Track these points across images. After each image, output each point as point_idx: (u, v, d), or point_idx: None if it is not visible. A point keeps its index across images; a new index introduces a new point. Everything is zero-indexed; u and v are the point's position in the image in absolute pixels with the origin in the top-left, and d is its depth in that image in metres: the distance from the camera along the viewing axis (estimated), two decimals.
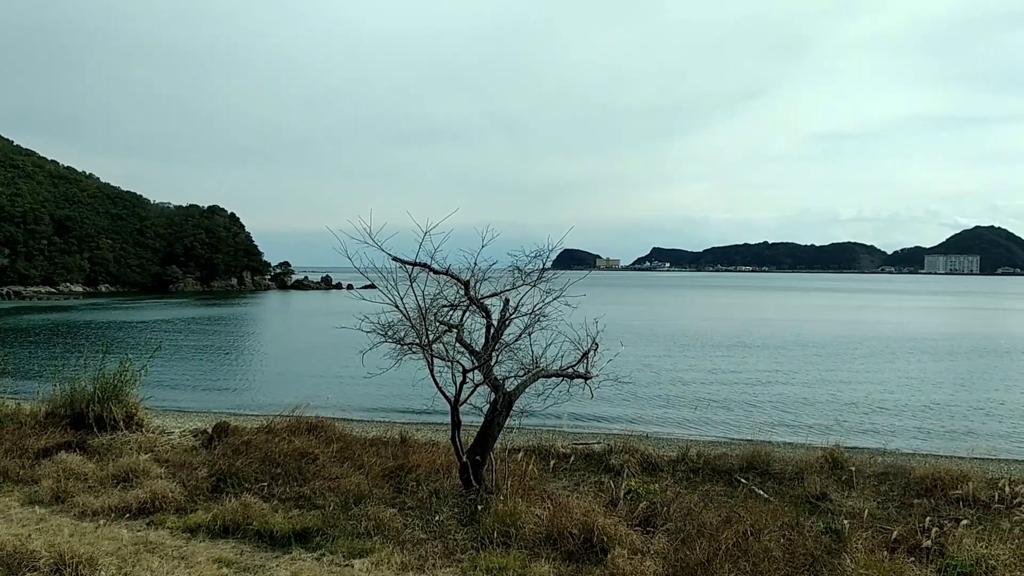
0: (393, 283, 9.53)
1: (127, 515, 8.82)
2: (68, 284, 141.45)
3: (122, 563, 7.06)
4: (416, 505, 9.14)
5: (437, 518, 8.56)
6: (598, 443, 13.74)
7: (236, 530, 8.24)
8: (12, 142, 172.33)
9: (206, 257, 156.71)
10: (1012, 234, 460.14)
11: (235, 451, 11.37)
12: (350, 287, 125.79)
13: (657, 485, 10.15)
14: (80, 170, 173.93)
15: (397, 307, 9.39)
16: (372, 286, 9.86)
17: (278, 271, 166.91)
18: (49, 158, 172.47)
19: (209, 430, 13.33)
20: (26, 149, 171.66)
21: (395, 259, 9.35)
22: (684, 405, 24.72)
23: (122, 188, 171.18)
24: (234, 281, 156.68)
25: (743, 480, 11.20)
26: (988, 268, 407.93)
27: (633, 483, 10.04)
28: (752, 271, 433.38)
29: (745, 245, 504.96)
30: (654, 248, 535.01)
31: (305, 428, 13.16)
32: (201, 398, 27.03)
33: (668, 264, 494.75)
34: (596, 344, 9.69)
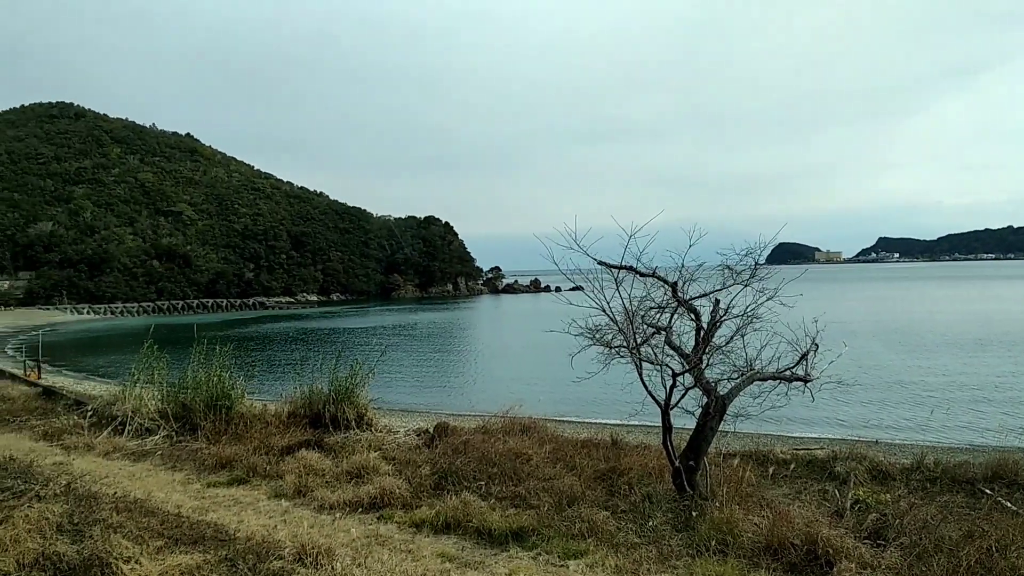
0: (599, 286, 9.55)
1: (359, 509, 9.45)
2: (304, 294, 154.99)
3: (356, 554, 7.56)
4: (629, 508, 9.08)
5: (651, 523, 8.47)
6: (821, 449, 13.01)
7: (457, 527, 8.57)
8: (253, 167, 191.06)
9: (424, 265, 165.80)
10: None
11: (454, 450, 11.84)
12: (558, 289, 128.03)
13: (888, 495, 9.46)
14: (312, 189, 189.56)
15: (603, 310, 9.40)
16: (579, 288, 9.94)
17: (489, 276, 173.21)
18: (284, 179, 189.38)
19: (431, 430, 13.94)
20: (265, 172, 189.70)
21: (600, 263, 9.37)
22: (918, 408, 22.85)
23: (348, 204, 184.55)
24: (449, 287, 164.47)
25: (988, 491, 10.15)
26: None
27: (861, 492, 9.41)
28: (996, 259, 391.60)
29: (986, 231, 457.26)
30: (880, 238, 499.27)
31: (519, 429, 13.48)
32: (422, 399, 28.54)
33: (897, 254, 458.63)
34: (816, 344, 9.17)
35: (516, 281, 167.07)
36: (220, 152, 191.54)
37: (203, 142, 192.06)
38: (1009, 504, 9.51)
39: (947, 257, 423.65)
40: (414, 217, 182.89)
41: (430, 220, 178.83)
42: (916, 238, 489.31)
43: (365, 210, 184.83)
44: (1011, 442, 15.42)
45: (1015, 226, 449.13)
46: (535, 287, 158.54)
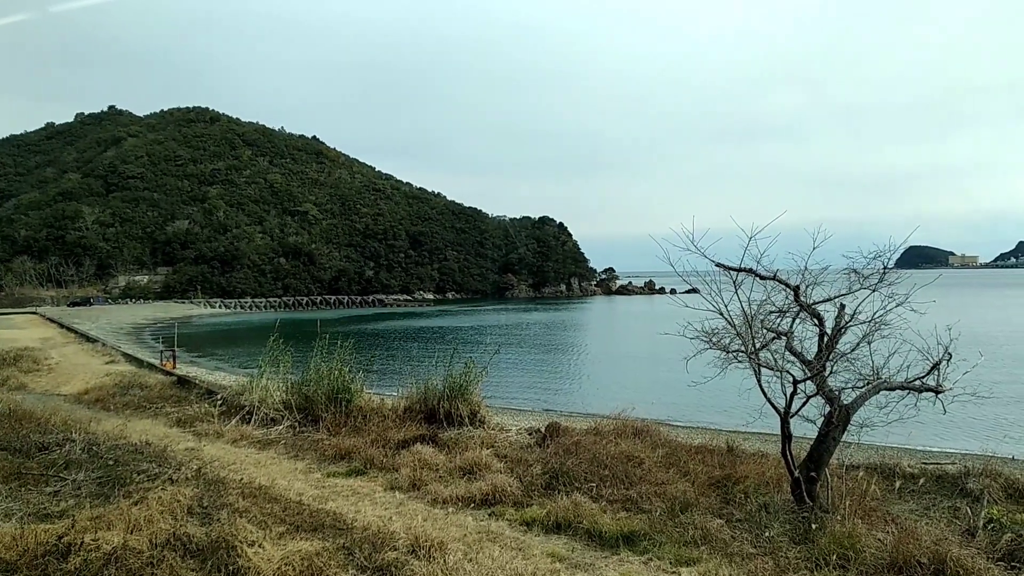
0: (716, 289, 9.34)
1: (471, 505, 9.58)
2: (421, 292, 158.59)
3: (468, 549, 7.67)
4: (744, 518, 8.84)
5: (767, 533, 8.22)
6: (952, 464, 12.30)
7: (567, 527, 8.57)
8: (374, 168, 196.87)
9: (537, 265, 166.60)
10: None
11: (566, 451, 11.83)
12: (673, 291, 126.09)
13: None
14: (430, 190, 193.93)
15: (721, 314, 9.19)
16: (695, 291, 9.74)
17: (603, 277, 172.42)
18: (404, 180, 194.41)
19: (542, 429, 13.99)
20: (385, 174, 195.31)
21: (718, 265, 9.16)
22: None
23: (464, 204, 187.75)
24: (563, 287, 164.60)
25: None
26: None
27: (995, 511, 8.84)
28: None
29: None
30: (1021, 242, 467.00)
31: (631, 432, 13.36)
32: (534, 398, 28.68)
33: None
34: (949, 354, 8.67)
35: (630, 282, 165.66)
36: (343, 154, 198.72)
37: (328, 144, 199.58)
38: None
39: None
40: (528, 218, 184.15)
41: (544, 220, 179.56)
42: None
43: (481, 210, 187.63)
44: None
45: None
46: (649, 289, 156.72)
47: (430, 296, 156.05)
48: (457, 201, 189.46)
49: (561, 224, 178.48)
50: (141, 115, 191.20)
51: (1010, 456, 14.80)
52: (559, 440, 12.75)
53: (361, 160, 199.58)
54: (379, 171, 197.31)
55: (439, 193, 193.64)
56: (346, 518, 8.65)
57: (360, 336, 59.70)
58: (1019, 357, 36.92)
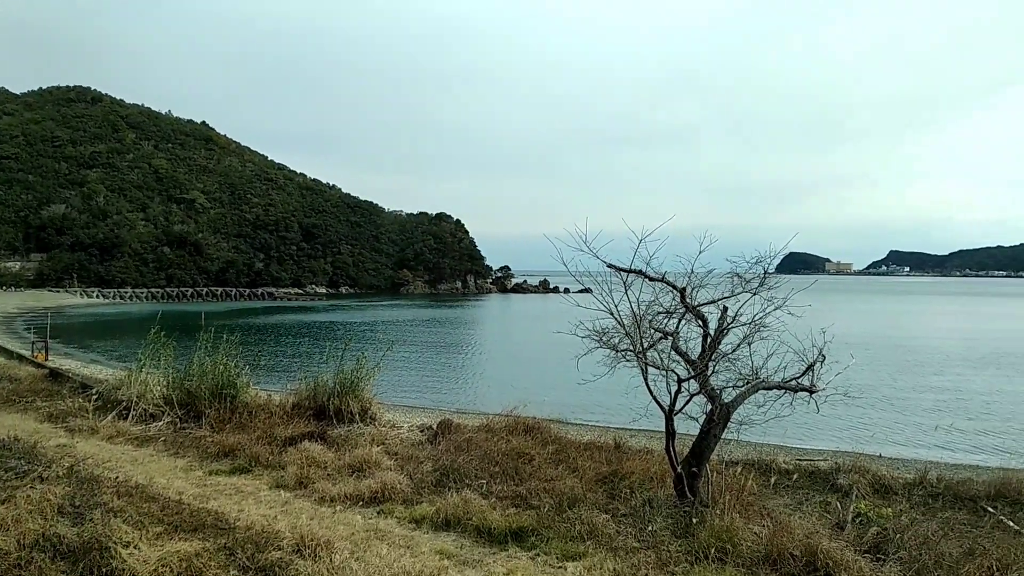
0: (608, 289, 9.54)
1: (360, 503, 9.47)
2: (313, 286, 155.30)
3: (355, 547, 7.57)
4: (629, 513, 9.07)
5: (650, 528, 8.46)
6: (824, 460, 12.98)
7: (457, 524, 8.57)
8: (267, 157, 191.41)
9: (434, 261, 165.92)
10: None
11: (457, 448, 11.86)
12: (567, 291, 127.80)
13: (890, 509, 9.43)
14: (325, 181, 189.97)
15: (611, 313, 9.39)
16: (588, 290, 9.93)
17: (499, 274, 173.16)
18: (298, 171, 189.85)
19: (434, 426, 13.97)
20: (278, 163, 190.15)
21: (610, 266, 9.36)
22: (922, 423, 22.76)
23: (360, 198, 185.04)
24: (459, 284, 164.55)
25: (990, 509, 10.11)
26: None
27: (863, 506, 9.39)
28: (1008, 276, 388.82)
29: (998, 247, 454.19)
30: (891, 251, 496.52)
31: (522, 429, 13.48)
32: (427, 395, 28.59)
33: (907, 268, 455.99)
34: (823, 356, 9.14)
35: (525, 281, 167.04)
36: (235, 141, 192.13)
37: (218, 131, 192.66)
38: (1012, 523, 9.47)
39: (958, 273, 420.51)
40: (426, 213, 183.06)
41: (441, 216, 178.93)
42: (927, 252, 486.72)
43: (377, 204, 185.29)
44: (1015, 462, 15.32)
45: None
46: (544, 287, 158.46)
47: (322, 290, 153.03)
48: (353, 194, 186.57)
49: (458, 221, 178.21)
50: (17, 92, 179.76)
51: (877, 454, 15.71)
52: (451, 437, 12.76)
53: (253, 148, 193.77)
54: (272, 160, 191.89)
55: (334, 185, 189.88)
56: (228, 517, 8.40)
57: (248, 330, 58.03)
58: (885, 361, 39.18)
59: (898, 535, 8.18)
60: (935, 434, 21.05)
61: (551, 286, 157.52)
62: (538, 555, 7.74)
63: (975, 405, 26.51)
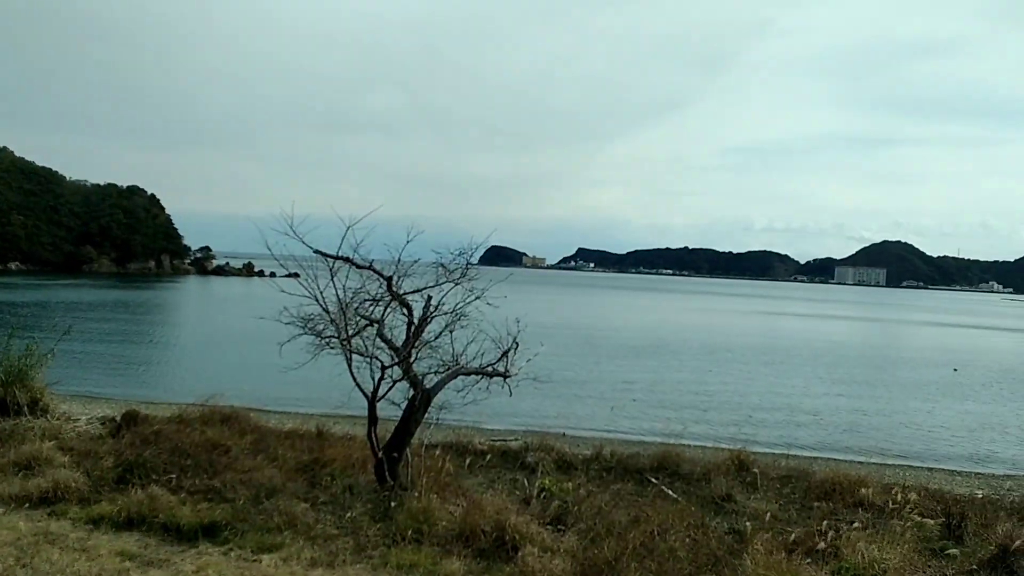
0: (314, 275, 9.45)
1: (27, 505, 8.51)
2: None
3: (21, 554, 6.85)
4: (329, 500, 9.07)
5: (350, 514, 8.53)
6: (516, 440, 13.87)
7: (141, 522, 8.04)
8: None
9: (123, 238, 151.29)
10: (917, 249, 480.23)
11: (144, 440, 11.07)
12: (273, 275, 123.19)
13: (571, 484, 10.34)
14: None
15: (317, 300, 9.31)
16: (295, 276, 9.75)
17: (198, 255, 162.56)
18: None
19: (118, 418, 12.98)
20: None
21: (317, 251, 9.28)
22: (602, 404, 25.10)
23: (37, 163, 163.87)
24: (152, 264, 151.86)
25: (653, 480, 11.47)
26: (894, 281, 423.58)
27: (547, 481, 10.19)
28: (673, 274, 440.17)
29: (667, 249, 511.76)
30: (579, 248, 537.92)
31: (218, 419, 12.90)
32: (111, 384, 26.19)
33: (592, 264, 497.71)
34: (517, 343, 9.79)
35: (228, 263, 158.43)
36: None
37: None
38: (670, 492, 10.82)
39: (633, 270, 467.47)
40: (114, 185, 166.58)
41: (133, 190, 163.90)
42: (609, 251, 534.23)
43: (56, 172, 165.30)
44: (675, 437, 17.44)
45: (690, 247, 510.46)
46: (248, 271, 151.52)
47: None
48: (27, 159, 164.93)
49: (153, 196, 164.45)
50: None
51: (561, 432, 17.08)
52: (137, 429, 11.89)
53: None
54: None
55: (4, 147, 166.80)
56: None
57: None
58: (570, 347, 42.62)
59: (576, 507, 9.04)
60: (610, 414, 23.32)
61: (256, 270, 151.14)
62: (232, 549, 7.50)
63: (640, 387, 29.69)
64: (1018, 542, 7.99)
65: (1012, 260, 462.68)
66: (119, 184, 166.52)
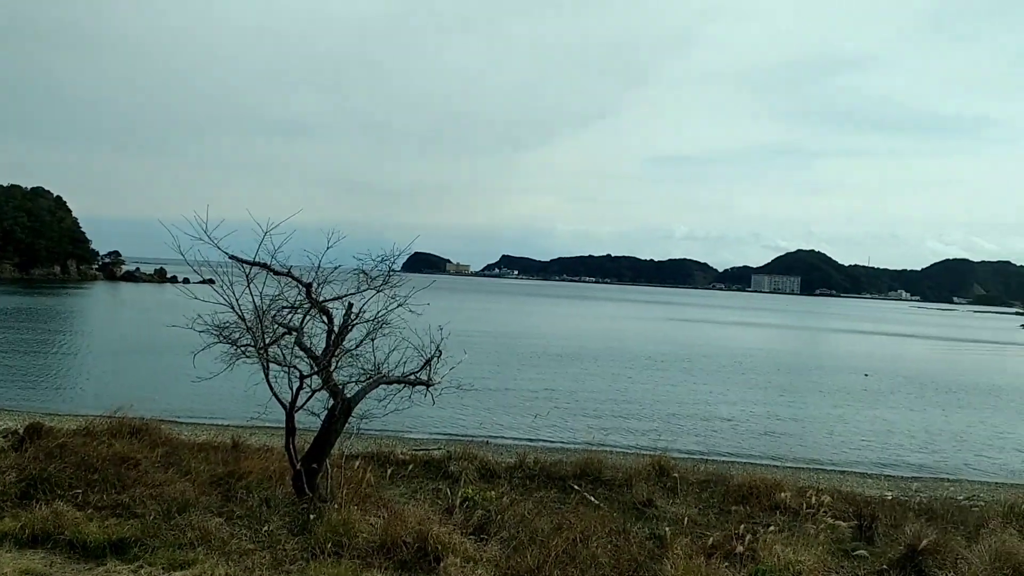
0: (229, 282, 9.16)
1: None
2: None
3: None
4: (245, 514, 8.81)
5: (267, 528, 8.29)
6: (438, 450, 13.77)
7: (46, 540, 7.70)
8: None
9: (27, 242, 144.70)
10: (830, 258, 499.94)
11: (48, 454, 10.55)
12: (186, 281, 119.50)
13: (494, 492, 10.29)
14: None
15: (232, 307, 9.04)
16: (210, 282, 9.44)
17: (106, 260, 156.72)
18: None
19: (20, 431, 12.41)
20: None
21: (232, 257, 9.01)
22: (525, 412, 25.14)
23: None
24: (57, 269, 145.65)
25: (576, 487, 11.53)
26: (808, 289, 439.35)
27: (470, 490, 10.12)
28: (596, 282, 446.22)
29: (590, 257, 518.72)
30: (503, 255, 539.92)
31: (127, 431, 12.43)
32: (13, 396, 24.93)
33: (516, 272, 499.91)
34: (440, 351, 9.70)
35: (138, 269, 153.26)
36: None
37: None
38: (593, 499, 10.89)
39: (557, 278, 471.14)
40: (18, 187, 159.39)
41: (37, 191, 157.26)
42: (533, 258, 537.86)
43: None
44: (597, 444, 17.61)
45: (613, 255, 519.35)
46: (160, 277, 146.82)
47: None
48: None
49: (59, 198, 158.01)
50: None
51: (485, 441, 17.05)
52: (41, 443, 11.34)
53: None
54: None
55: None
56: None
57: None
58: (494, 355, 42.66)
59: (499, 515, 9.00)
60: (534, 421, 23.39)
61: (169, 276, 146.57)
62: (141, 567, 7.23)
63: (562, 395, 29.89)
64: (925, 542, 8.32)
65: (919, 269, 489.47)
66: (23, 185, 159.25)
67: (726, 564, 7.78)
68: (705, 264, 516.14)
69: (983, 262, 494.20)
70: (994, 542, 8.38)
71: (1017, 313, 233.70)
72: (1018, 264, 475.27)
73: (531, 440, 20.06)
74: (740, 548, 8.27)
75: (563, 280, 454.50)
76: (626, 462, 13.20)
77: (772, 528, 9.11)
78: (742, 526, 9.15)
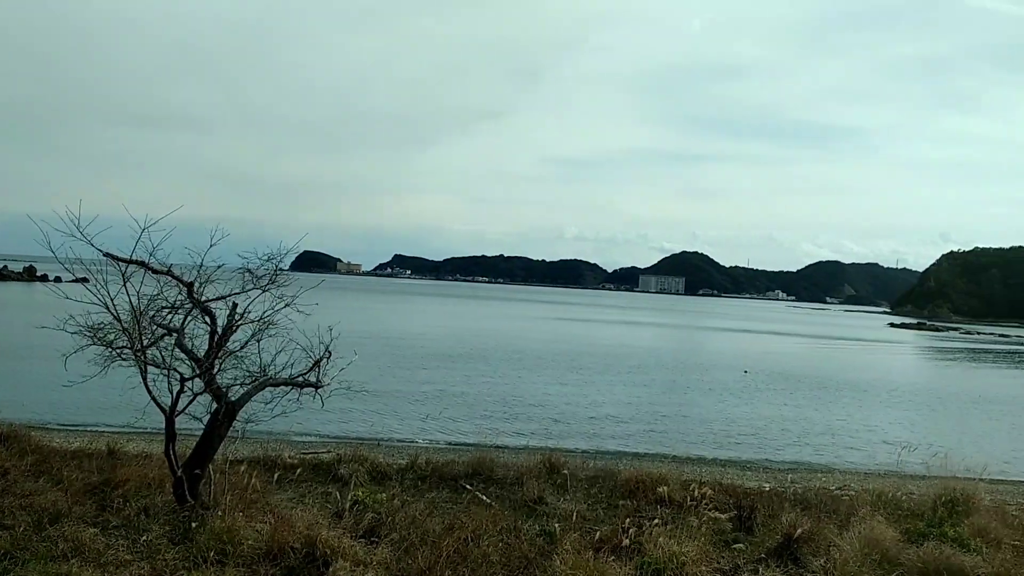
0: (104, 281, 8.73)
1: None
2: None
3: None
4: (122, 524, 8.43)
5: (145, 537, 7.96)
6: (328, 453, 13.53)
7: None
8: None
9: None
10: (712, 259, 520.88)
11: None
12: (58, 280, 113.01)
13: (385, 494, 10.20)
14: None
15: (107, 307, 8.61)
16: (83, 281, 8.97)
17: None
18: None
19: None
20: None
21: (107, 255, 8.58)
22: (417, 412, 25.00)
23: None
24: None
25: (468, 486, 11.56)
26: (692, 289, 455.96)
27: (360, 493, 9.99)
28: (489, 282, 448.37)
29: (483, 257, 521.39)
30: (396, 255, 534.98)
31: None
32: None
33: (409, 271, 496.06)
34: (329, 352, 9.53)
35: (6, 266, 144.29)
36: None
37: None
38: (484, 497, 10.94)
39: (450, 277, 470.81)
40: None
41: None
42: (426, 258, 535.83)
43: None
44: (489, 442, 17.70)
45: (506, 255, 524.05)
46: (30, 275, 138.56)
47: None
48: None
49: None
50: None
51: (376, 443, 16.86)
52: None
53: None
54: None
55: None
56: None
57: None
58: (385, 355, 42.24)
59: (390, 518, 8.92)
60: (425, 422, 23.29)
61: (39, 274, 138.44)
62: None
63: (454, 395, 29.87)
64: (800, 531, 8.78)
65: (795, 271, 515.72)
66: None
67: (613, 558, 7.95)
68: (595, 265, 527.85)
69: (853, 264, 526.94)
70: (863, 529, 8.94)
71: (884, 312, 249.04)
72: (885, 266, 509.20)
73: (423, 441, 19.96)
74: (626, 541, 8.48)
75: (456, 280, 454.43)
76: (517, 460, 13.32)
77: (657, 521, 9.37)
78: (628, 520, 9.39)
